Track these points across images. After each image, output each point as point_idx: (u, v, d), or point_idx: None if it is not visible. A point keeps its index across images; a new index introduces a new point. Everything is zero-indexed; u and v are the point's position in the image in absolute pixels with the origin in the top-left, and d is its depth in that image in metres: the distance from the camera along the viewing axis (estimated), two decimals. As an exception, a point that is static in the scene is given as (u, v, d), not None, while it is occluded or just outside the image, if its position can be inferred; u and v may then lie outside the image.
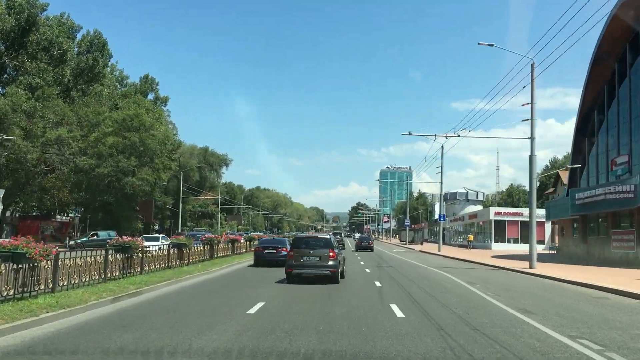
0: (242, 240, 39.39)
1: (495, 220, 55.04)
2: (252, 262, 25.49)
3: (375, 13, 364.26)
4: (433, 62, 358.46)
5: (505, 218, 54.99)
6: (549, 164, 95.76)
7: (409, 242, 69.83)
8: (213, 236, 28.12)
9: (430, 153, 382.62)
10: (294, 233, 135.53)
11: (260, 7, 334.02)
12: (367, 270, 23.62)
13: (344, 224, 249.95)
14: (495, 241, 54.84)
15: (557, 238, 54.38)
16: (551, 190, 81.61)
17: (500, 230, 55.23)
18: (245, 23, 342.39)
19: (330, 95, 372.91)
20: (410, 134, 33.16)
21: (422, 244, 69.37)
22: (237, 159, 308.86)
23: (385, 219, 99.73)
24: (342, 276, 17.95)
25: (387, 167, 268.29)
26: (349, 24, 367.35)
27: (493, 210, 55.85)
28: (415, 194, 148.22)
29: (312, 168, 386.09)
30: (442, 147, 45.17)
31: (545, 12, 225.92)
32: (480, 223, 60.52)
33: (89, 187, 41.32)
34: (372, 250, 47.88)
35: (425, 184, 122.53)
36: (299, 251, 17.20)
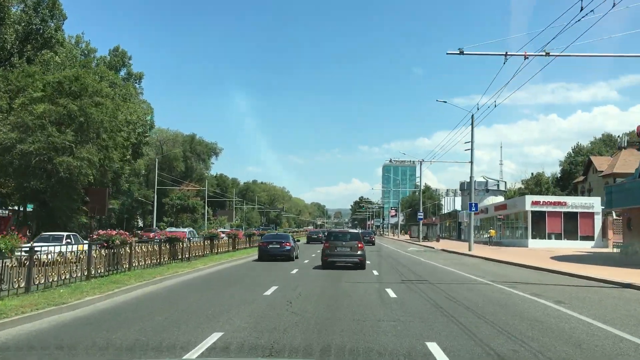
0: (223, 237, 31.39)
1: (532, 212, 44.93)
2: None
3: (377, 9, 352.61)
4: (435, 59, 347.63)
5: (545, 209, 44.86)
6: (571, 151, 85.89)
7: (422, 239, 59.92)
8: (179, 232, 25.92)
9: (431, 147, 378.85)
10: (294, 229, 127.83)
11: (261, 3, 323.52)
12: (390, 293, 13.32)
13: (346, 220, 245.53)
14: (533, 237, 44.76)
15: (610, 233, 44.44)
16: (581, 178, 71.50)
17: (539, 224, 45.12)
18: (246, 17, 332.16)
19: (331, 92, 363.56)
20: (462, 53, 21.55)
21: (438, 240, 59.41)
22: (237, 156, 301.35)
23: (393, 212, 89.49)
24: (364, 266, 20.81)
25: (390, 161, 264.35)
26: (350, 22, 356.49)
27: (530, 199, 45.71)
28: (422, 187, 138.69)
29: (313, 165, 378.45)
30: (472, 116, 35.19)
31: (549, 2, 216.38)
32: (512, 215, 50.38)
33: (18, 170, 31.46)
34: (373, 244, 49.52)
35: (431, 175, 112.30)
36: (333, 243, 21.08)
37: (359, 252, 20.84)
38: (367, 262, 21.94)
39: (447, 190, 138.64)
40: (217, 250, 27.93)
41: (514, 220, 50.39)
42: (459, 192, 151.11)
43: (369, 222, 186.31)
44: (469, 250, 35.37)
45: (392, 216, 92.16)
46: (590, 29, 25.34)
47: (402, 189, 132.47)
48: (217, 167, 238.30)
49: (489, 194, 72.83)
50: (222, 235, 32.05)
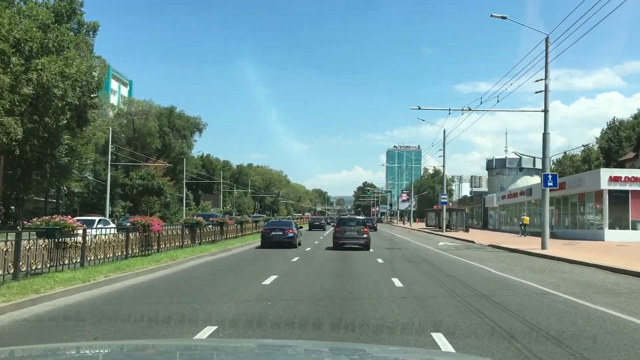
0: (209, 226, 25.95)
1: (610, 192, 31.92)
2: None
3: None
4: (441, 41, 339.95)
5: (628, 187, 31.90)
6: (606, 127, 73.28)
7: (445, 228, 47.23)
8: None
9: (435, 136, 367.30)
10: (297, 215, 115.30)
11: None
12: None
13: (349, 207, 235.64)
14: (611, 227, 31.84)
15: None
16: (631, 155, 58.71)
17: (619, 209, 32.20)
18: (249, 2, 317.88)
19: (334, 78, 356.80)
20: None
21: (467, 230, 46.39)
22: (244, 143, 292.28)
23: (404, 196, 76.00)
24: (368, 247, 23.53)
25: (394, 147, 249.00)
26: (354, 6, 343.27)
27: (606, 173, 32.54)
28: (429, 172, 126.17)
29: (316, 152, 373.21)
30: (547, 38, 22.09)
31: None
32: (574, 197, 37.18)
33: None
34: (375, 229, 49.95)
35: (433, 160, 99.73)
36: (342, 228, 24.53)
37: (364, 236, 23.93)
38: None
39: (452, 176, 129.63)
40: (200, 240, 23.59)
41: (578, 203, 37.30)
42: (464, 178, 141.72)
43: (373, 209, 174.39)
44: (543, 248, 22.50)
45: (403, 201, 78.91)
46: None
47: (404, 181, 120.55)
48: (215, 150, 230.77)
49: (523, 173, 59.78)
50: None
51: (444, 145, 45.38)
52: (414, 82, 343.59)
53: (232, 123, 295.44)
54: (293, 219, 43.53)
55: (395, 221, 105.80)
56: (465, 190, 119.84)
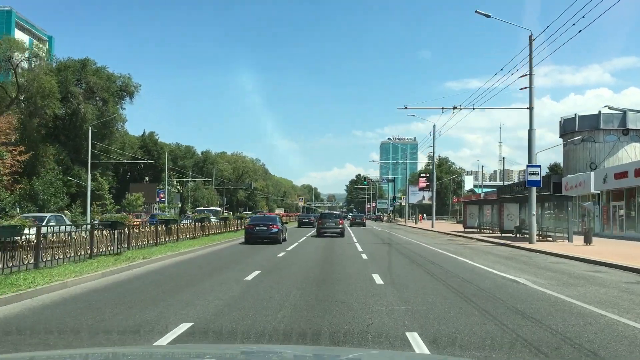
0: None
1: None
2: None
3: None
4: (432, 40, 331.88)
5: None
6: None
7: (515, 234, 23.44)
8: None
9: (425, 134, 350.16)
10: (277, 213, 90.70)
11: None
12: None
13: (341, 204, 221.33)
14: None
15: None
16: None
17: None
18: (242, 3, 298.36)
19: (324, 76, 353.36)
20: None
21: (588, 241, 22.12)
22: (236, 141, 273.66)
23: (422, 182, 50.57)
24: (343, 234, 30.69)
25: (388, 139, 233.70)
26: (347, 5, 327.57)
27: None
28: (436, 160, 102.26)
29: (307, 150, 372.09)
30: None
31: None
32: None
33: None
34: (364, 225, 53.04)
35: (423, 157, 75.78)
36: (323, 220, 32.57)
37: (340, 226, 31.40)
38: None
39: (460, 168, 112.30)
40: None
41: None
42: (468, 169, 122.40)
43: (368, 206, 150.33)
44: None
45: (421, 188, 54.08)
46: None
47: (399, 175, 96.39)
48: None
49: (628, 139, 35.86)
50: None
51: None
52: (405, 80, 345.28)
53: (222, 120, 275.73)
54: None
55: (401, 219, 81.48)
56: (469, 184, 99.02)
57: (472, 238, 29.78)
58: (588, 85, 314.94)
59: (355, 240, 28.05)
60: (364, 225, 52.50)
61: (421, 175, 53.85)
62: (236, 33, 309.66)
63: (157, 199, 69.09)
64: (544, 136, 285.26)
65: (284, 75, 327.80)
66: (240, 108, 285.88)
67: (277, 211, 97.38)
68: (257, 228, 24.55)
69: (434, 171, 46.77)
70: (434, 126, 46.25)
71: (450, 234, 35.38)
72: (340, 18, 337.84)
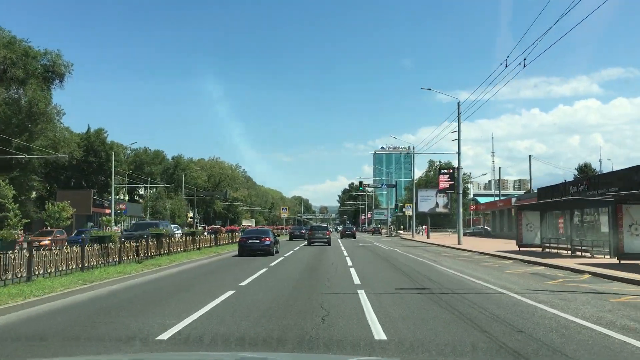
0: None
1: None
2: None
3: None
4: (420, 52, 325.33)
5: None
6: None
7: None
8: None
9: (416, 144, 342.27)
10: (262, 229, 77.91)
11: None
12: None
13: (333, 215, 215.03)
14: None
15: None
16: None
17: None
18: (223, 10, 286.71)
19: (313, 89, 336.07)
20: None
21: None
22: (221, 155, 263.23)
23: (443, 180, 36.17)
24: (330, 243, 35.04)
25: (382, 148, 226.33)
26: (332, 13, 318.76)
27: None
28: (436, 166, 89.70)
29: (300, 164, 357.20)
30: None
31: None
32: None
33: None
34: (354, 237, 54.38)
35: (417, 170, 63.37)
36: (313, 231, 38.37)
37: (327, 237, 36.57)
38: None
39: (469, 173, 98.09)
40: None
41: None
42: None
43: (362, 217, 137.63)
44: None
45: (441, 190, 40.19)
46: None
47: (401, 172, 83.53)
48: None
49: None
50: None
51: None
52: (394, 93, 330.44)
53: (207, 139, 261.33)
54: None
55: (405, 231, 67.92)
56: (470, 193, 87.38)
57: (578, 270, 16.32)
58: (577, 96, 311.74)
59: (356, 281, 14.51)
60: (354, 237, 54.32)
61: (442, 172, 40.30)
62: (229, 44, 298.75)
63: (118, 210, 55.54)
64: (534, 147, 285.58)
65: (272, 91, 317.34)
66: (217, 124, 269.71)
67: (244, 222, 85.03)
68: (250, 241, 25.46)
69: (460, 165, 33.28)
70: (458, 103, 33.20)
71: (507, 257, 21.95)
72: (325, 30, 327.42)
